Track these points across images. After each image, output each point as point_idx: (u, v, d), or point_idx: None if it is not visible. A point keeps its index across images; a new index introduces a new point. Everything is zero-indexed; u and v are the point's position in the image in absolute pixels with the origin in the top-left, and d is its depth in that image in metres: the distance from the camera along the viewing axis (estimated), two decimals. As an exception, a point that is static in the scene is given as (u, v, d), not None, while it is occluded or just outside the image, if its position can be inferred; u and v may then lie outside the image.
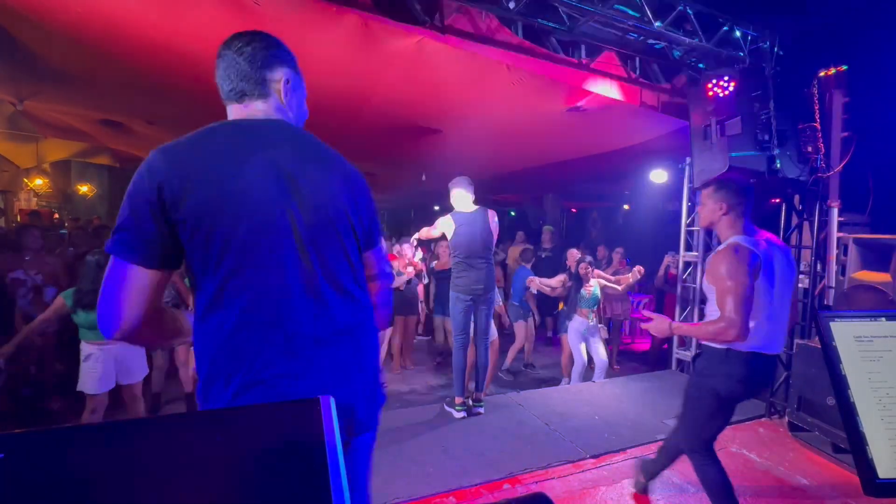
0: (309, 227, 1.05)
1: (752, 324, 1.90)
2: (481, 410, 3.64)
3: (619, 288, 4.42)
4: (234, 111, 1.12)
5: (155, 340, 1.13)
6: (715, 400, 2.06)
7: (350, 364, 1.12)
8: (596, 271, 4.51)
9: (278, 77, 1.13)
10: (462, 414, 3.57)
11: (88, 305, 2.87)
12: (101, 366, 2.95)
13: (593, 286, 4.40)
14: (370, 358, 1.19)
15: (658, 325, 2.10)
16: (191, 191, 0.95)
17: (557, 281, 4.54)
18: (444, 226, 3.56)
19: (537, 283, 4.51)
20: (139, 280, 0.94)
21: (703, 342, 2.10)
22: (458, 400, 3.61)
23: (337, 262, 1.10)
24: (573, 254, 4.74)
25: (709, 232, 4.79)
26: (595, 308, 4.41)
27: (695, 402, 2.14)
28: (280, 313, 1.01)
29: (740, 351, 1.98)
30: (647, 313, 2.18)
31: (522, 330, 5.33)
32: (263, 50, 1.10)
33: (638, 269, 4.19)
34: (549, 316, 6.84)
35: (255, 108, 1.11)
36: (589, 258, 4.53)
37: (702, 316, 2.57)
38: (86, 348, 2.96)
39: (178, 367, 3.93)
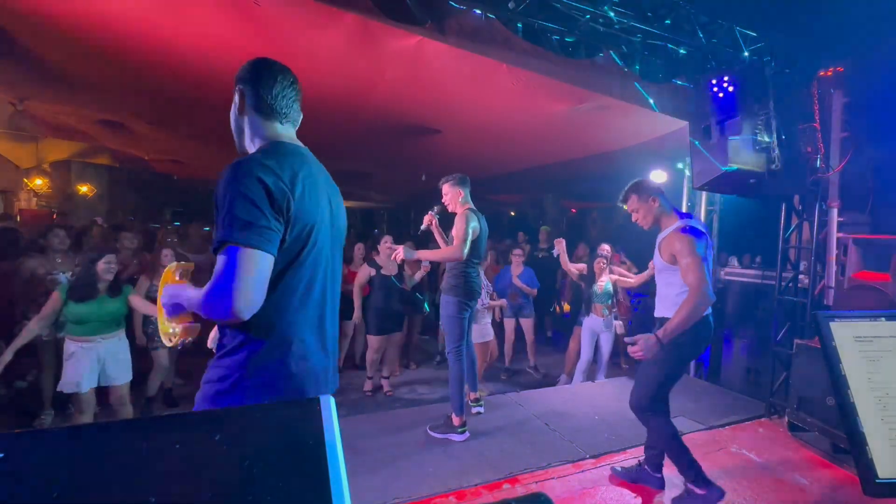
0: None
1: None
2: (481, 410, 3.62)
3: (633, 283, 4.39)
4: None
5: None
6: (681, 363, 2.43)
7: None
8: (615, 268, 4.50)
9: None
10: (465, 436, 3.19)
11: (79, 299, 2.89)
12: (82, 363, 2.92)
13: (605, 281, 4.39)
14: None
15: (646, 345, 2.19)
16: None
17: (576, 266, 4.51)
18: (474, 226, 3.12)
19: (562, 247, 4.35)
20: None
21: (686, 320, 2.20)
22: (458, 420, 3.19)
23: None
24: (604, 248, 4.62)
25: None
26: (609, 303, 4.41)
27: (663, 366, 2.36)
28: None
29: (705, 315, 2.30)
30: (629, 340, 2.26)
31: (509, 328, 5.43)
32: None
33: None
34: (546, 315, 6.83)
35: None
36: (604, 253, 4.49)
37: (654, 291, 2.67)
38: (70, 346, 2.94)
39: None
